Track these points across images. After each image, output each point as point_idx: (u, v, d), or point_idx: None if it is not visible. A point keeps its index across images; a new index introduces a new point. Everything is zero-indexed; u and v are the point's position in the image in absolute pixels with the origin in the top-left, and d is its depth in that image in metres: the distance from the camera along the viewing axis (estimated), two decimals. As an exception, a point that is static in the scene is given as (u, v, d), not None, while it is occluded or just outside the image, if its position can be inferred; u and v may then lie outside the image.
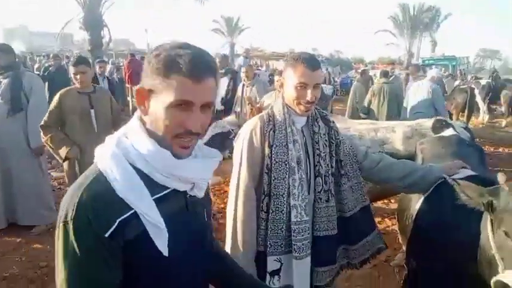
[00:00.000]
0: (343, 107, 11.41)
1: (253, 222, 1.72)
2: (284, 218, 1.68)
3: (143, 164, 0.91)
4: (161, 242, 0.91)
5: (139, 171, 0.91)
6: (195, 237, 1.04)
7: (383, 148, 3.14)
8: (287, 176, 1.68)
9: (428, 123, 3.30)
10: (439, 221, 1.70)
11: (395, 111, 6.49)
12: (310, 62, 1.66)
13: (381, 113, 6.55)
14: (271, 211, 1.69)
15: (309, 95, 1.66)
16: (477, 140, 9.24)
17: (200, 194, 1.03)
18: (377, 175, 1.95)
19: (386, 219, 4.54)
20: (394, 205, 4.70)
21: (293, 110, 1.75)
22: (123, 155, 0.91)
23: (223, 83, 6.34)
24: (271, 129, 1.73)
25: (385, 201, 5.03)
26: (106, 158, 0.91)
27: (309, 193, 1.75)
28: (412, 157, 2.72)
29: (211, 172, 1.04)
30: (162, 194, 0.94)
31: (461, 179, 1.59)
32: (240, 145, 1.76)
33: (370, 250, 1.92)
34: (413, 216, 1.93)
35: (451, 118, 9.67)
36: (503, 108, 12.50)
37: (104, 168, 0.91)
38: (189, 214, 1.01)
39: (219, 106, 6.16)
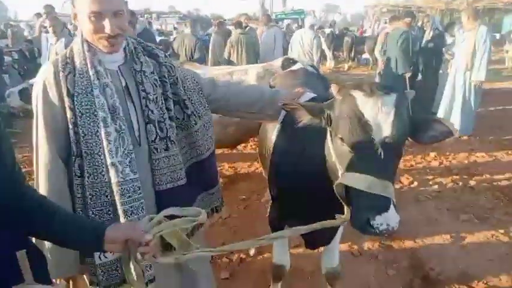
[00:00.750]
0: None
1: (64, 199, 1.41)
2: (106, 181, 1.40)
3: None
4: None
5: None
6: None
7: None
8: (98, 129, 1.38)
9: (278, 62, 3.51)
10: (291, 144, 1.80)
11: (254, 59, 6.84)
12: None
13: (240, 62, 6.73)
14: (87, 175, 1.38)
15: (107, 27, 1.36)
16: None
17: None
18: (227, 104, 1.81)
19: (255, 163, 4.74)
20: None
21: (97, 47, 1.43)
22: None
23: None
24: (69, 73, 1.41)
25: (254, 146, 5.28)
26: None
27: (140, 144, 1.49)
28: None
29: None
30: None
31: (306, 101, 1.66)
32: (34, 101, 1.43)
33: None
34: (272, 147, 1.99)
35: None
36: (345, 54, 14.14)
37: None
38: None
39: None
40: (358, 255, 2.96)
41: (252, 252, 3.02)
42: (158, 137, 1.51)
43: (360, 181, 1.22)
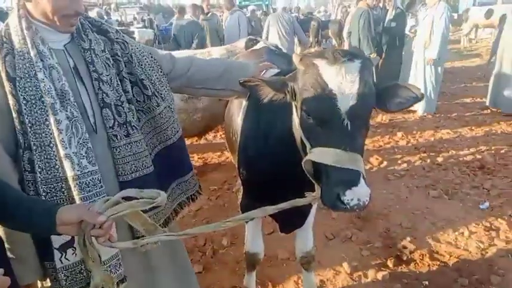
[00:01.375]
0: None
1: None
2: (61, 175, 1.25)
3: None
4: None
5: None
6: None
7: None
8: (47, 117, 1.22)
9: (241, 43, 3.42)
10: (259, 124, 1.70)
11: (218, 45, 6.64)
12: None
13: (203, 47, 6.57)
14: (38, 169, 1.23)
15: (76, 3, 1.25)
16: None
17: None
18: (190, 81, 1.64)
19: (225, 153, 4.63)
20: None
21: (43, 25, 1.27)
22: None
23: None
24: (6, 54, 1.23)
25: (223, 135, 5.16)
26: None
27: (96, 132, 1.33)
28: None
29: None
30: None
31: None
32: None
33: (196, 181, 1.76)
34: (239, 129, 1.88)
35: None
36: (310, 39, 14.12)
37: None
38: None
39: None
40: (332, 238, 2.93)
41: (224, 242, 2.93)
42: (117, 123, 1.36)
43: (327, 156, 1.15)
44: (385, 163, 4.24)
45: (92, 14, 15.68)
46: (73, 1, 1.25)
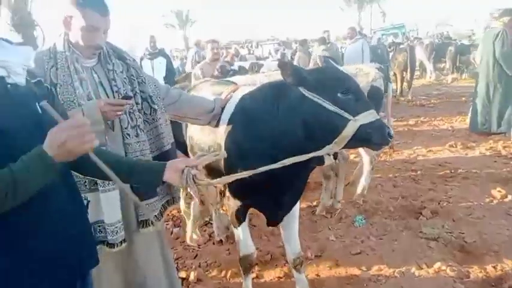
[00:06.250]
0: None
1: None
2: None
3: None
4: None
5: None
6: (26, 121, 1.10)
7: None
8: None
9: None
10: (248, 127, 1.98)
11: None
12: (101, 6, 1.65)
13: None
14: None
15: (100, 40, 1.68)
16: (423, 96, 9.70)
17: (19, 81, 1.12)
18: (179, 109, 2.09)
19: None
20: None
21: (78, 50, 1.71)
22: None
23: (161, 63, 6.42)
24: (52, 66, 1.67)
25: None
26: None
27: (113, 130, 1.75)
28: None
29: (23, 59, 1.14)
30: None
31: None
32: None
33: None
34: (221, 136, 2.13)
35: (396, 78, 9.99)
36: (447, 65, 12.97)
37: None
38: (13, 99, 1.09)
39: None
40: (423, 267, 2.69)
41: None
42: (130, 125, 1.79)
43: (370, 115, 1.68)
44: (509, 197, 3.66)
45: (232, 50, 17.65)
46: (95, 37, 1.68)
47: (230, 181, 1.61)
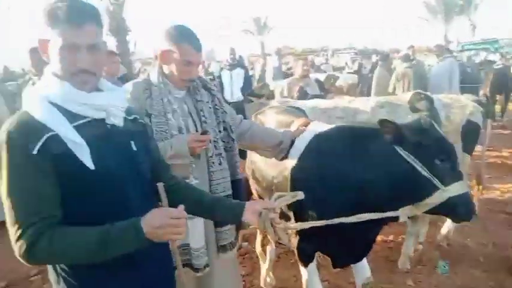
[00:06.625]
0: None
1: None
2: None
3: (56, 98, 1.12)
4: (84, 156, 1.11)
5: (56, 106, 1.12)
6: (122, 160, 1.21)
7: (355, 118, 3.02)
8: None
9: (406, 96, 3.19)
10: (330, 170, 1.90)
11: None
12: (197, 43, 1.74)
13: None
14: None
15: (193, 73, 1.78)
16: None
17: (118, 122, 1.22)
18: (248, 140, 2.14)
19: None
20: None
21: (171, 82, 1.80)
22: (39, 95, 1.14)
23: (239, 74, 6.55)
24: (147, 97, 1.76)
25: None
26: (27, 101, 1.14)
27: (199, 159, 1.81)
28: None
29: (121, 101, 1.25)
30: (81, 121, 1.14)
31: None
32: None
33: None
34: (291, 174, 2.08)
35: (488, 101, 9.06)
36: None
37: (26, 107, 1.14)
38: (112, 139, 1.20)
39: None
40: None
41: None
42: (214, 154, 1.86)
43: (462, 186, 1.64)
44: None
45: (308, 59, 17.44)
46: (191, 71, 1.77)
47: (307, 227, 1.61)
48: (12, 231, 1.06)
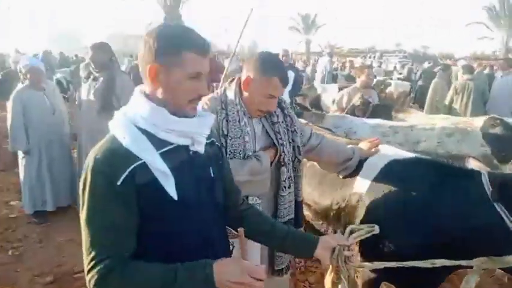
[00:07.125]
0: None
1: None
2: None
3: (145, 123, 1.10)
4: (169, 186, 1.08)
5: (144, 131, 1.10)
6: (201, 188, 1.19)
7: (417, 146, 2.87)
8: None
9: (479, 121, 2.97)
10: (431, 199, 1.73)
11: (481, 110, 5.92)
12: (285, 78, 1.70)
13: (464, 112, 6.00)
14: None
15: (273, 105, 1.73)
16: None
17: (200, 149, 1.19)
18: (316, 155, 2.04)
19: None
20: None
21: (248, 109, 1.75)
22: (129, 120, 1.11)
23: (290, 77, 6.45)
24: (223, 118, 1.72)
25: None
26: (115, 125, 1.12)
27: (271, 184, 1.78)
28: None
29: (208, 128, 1.21)
30: (167, 148, 1.11)
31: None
32: None
33: None
34: (363, 200, 1.93)
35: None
36: None
37: (114, 132, 1.11)
38: (194, 167, 1.18)
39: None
40: None
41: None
42: (287, 177, 1.80)
43: None
44: None
45: (357, 61, 16.91)
46: (272, 104, 1.72)
47: (381, 267, 1.51)
48: (86, 261, 1.06)
